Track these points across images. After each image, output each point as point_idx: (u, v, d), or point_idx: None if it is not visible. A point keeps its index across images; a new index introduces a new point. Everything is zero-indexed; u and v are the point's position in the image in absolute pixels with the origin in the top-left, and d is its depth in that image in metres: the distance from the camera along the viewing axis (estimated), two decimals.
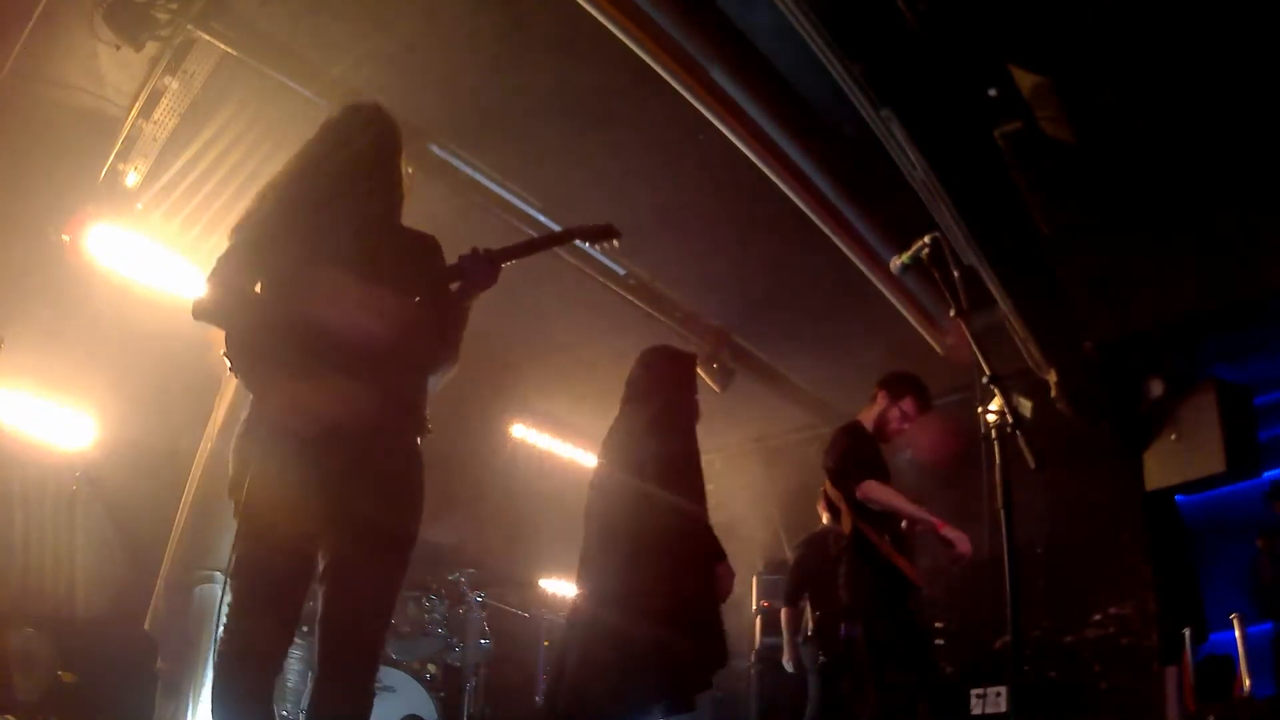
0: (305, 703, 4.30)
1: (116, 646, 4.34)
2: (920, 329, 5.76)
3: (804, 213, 4.68)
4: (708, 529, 3.38)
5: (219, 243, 2.35)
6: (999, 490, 2.41)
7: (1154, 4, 3.27)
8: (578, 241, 2.62)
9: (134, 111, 4.12)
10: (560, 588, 7.24)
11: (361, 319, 2.19)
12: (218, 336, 2.24)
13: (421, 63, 4.13)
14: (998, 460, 2.43)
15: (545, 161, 4.78)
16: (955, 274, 2.58)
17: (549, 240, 2.64)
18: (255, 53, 3.95)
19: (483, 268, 2.35)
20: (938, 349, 5.88)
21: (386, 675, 4.58)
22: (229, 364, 2.21)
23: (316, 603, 2.19)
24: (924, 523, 3.91)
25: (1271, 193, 4.14)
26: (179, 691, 3.85)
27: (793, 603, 5.54)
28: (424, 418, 2.33)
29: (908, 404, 4.22)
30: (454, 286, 2.41)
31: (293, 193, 2.34)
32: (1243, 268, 4.50)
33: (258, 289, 2.29)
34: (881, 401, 4.26)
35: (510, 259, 2.38)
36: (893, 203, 4.68)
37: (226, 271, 2.27)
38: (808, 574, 5.43)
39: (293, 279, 2.23)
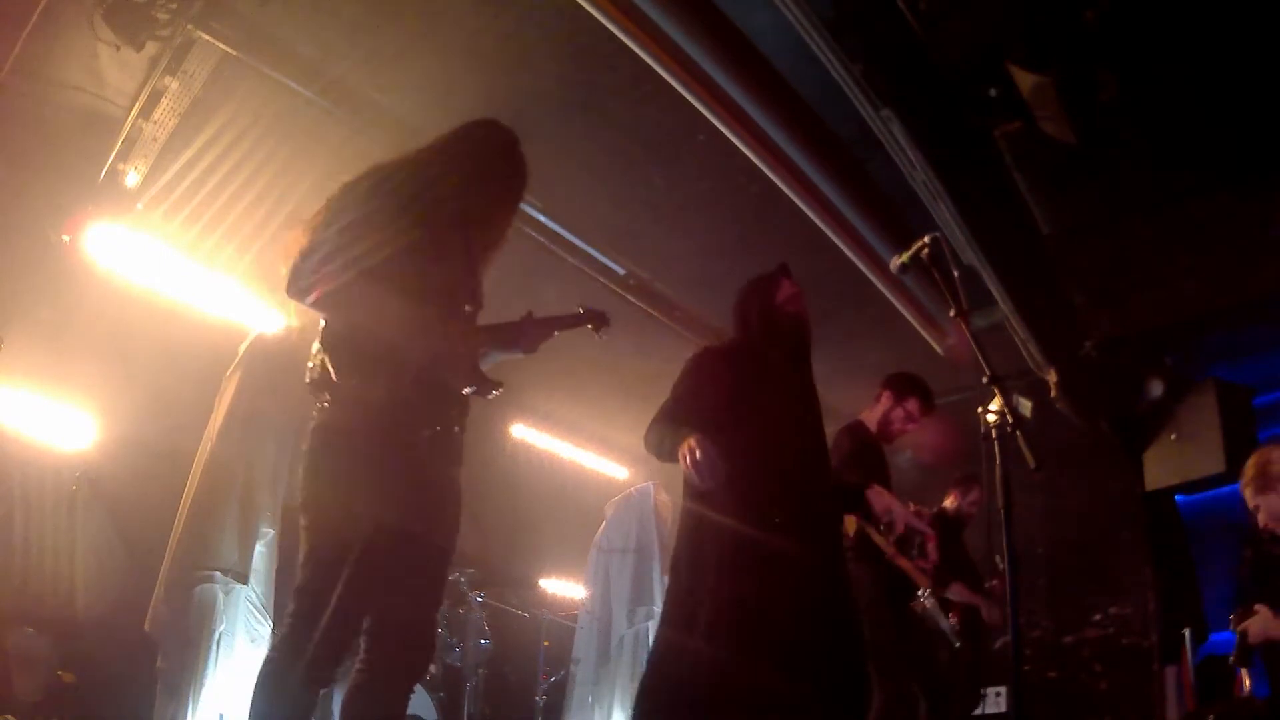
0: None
1: (116, 646, 4.35)
2: (920, 329, 5.76)
3: (804, 212, 4.68)
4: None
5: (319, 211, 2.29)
6: (999, 490, 2.41)
7: (1154, 4, 3.28)
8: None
9: (134, 111, 4.12)
10: (560, 588, 7.25)
11: (453, 365, 2.33)
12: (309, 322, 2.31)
13: (421, 63, 4.14)
14: (998, 460, 2.42)
15: (545, 161, 4.74)
16: (955, 274, 2.57)
17: (574, 320, 2.86)
18: (255, 53, 3.94)
19: (537, 335, 2.63)
20: (938, 349, 5.88)
21: None
22: (327, 356, 2.22)
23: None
24: (919, 533, 3.93)
25: (1272, 192, 4.14)
26: (179, 691, 3.86)
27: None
28: None
29: (912, 405, 4.20)
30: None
31: (424, 207, 2.32)
32: (1243, 267, 4.50)
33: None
34: (886, 402, 4.24)
35: (557, 330, 2.68)
36: (892, 203, 4.69)
37: (346, 261, 2.18)
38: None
39: (413, 306, 2.23)
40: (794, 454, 2.79)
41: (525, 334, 2.60)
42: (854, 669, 2.68)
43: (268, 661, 2.15)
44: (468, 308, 2.42)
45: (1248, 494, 3.56)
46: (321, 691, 2.19)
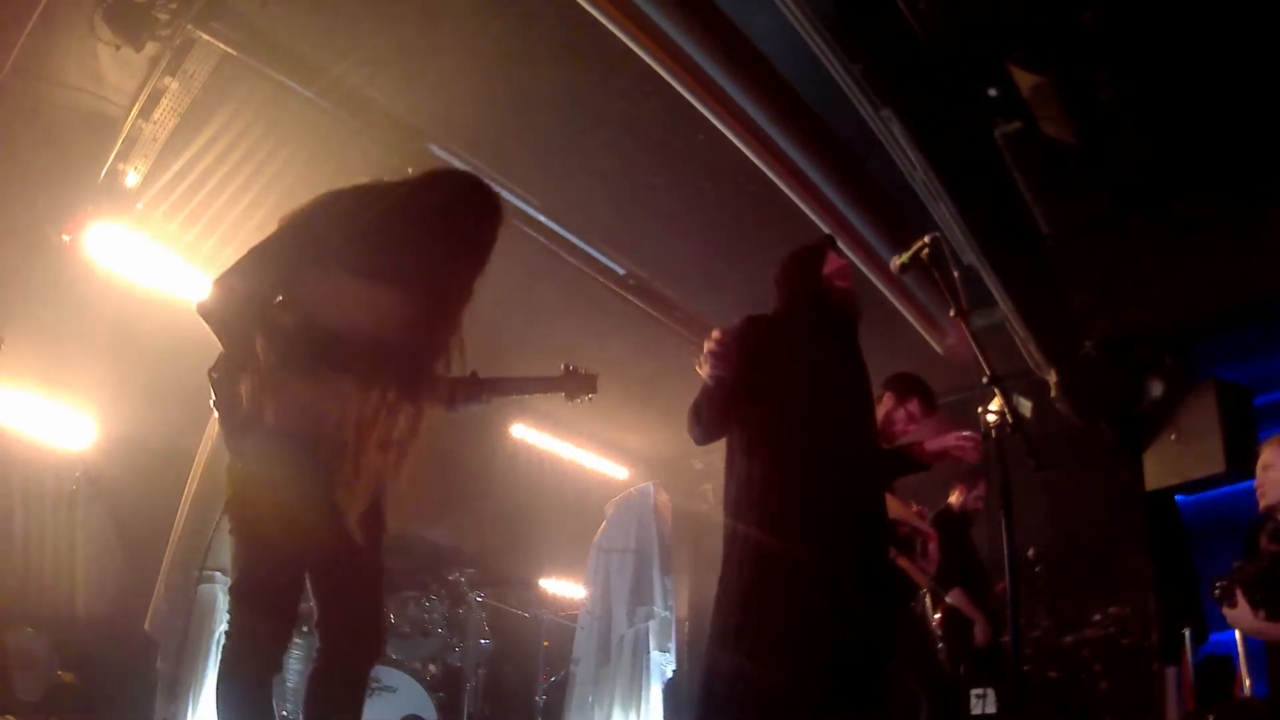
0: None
1: (116, 646, 4.35)
2: (920, 329, 5.76)
3: (803, 212, 4.68)
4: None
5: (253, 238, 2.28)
6: (999, 490, 2.41)
7: (1154, 4, 3.28)
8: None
9: (134, 111, 4.12)
10: (560, 588, 7.24)
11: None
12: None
13: (421, 63, 4.14)
14: (998, 460, 2.43)
15: (545, 162, 4.77)
16: (955, 274, 2.57)
17: (543, 385, 2.87)
18: (255, 53, 3.94)
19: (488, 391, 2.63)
20: (938, 349, 5.88)
21: (386, 675, 4.58)
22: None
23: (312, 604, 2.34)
24: (919, 534, 3.94)
25: (1271, 193, 4.14)
26: (179, 691, 3.86)
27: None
28: None
29: (914, 405, 4.17)
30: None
31: (376, 242, 2.25)
32: (1243, 268, 4.50)
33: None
34: (887, 403, 4.22)
35: (520, 393, 2.75)
36: (892, 203, 4.69)
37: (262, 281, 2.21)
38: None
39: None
40: (843, 448, 2.62)
41: (501, 387, 2.63)
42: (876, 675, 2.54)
43: (223, 661, 2.28)
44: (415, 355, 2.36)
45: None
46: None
